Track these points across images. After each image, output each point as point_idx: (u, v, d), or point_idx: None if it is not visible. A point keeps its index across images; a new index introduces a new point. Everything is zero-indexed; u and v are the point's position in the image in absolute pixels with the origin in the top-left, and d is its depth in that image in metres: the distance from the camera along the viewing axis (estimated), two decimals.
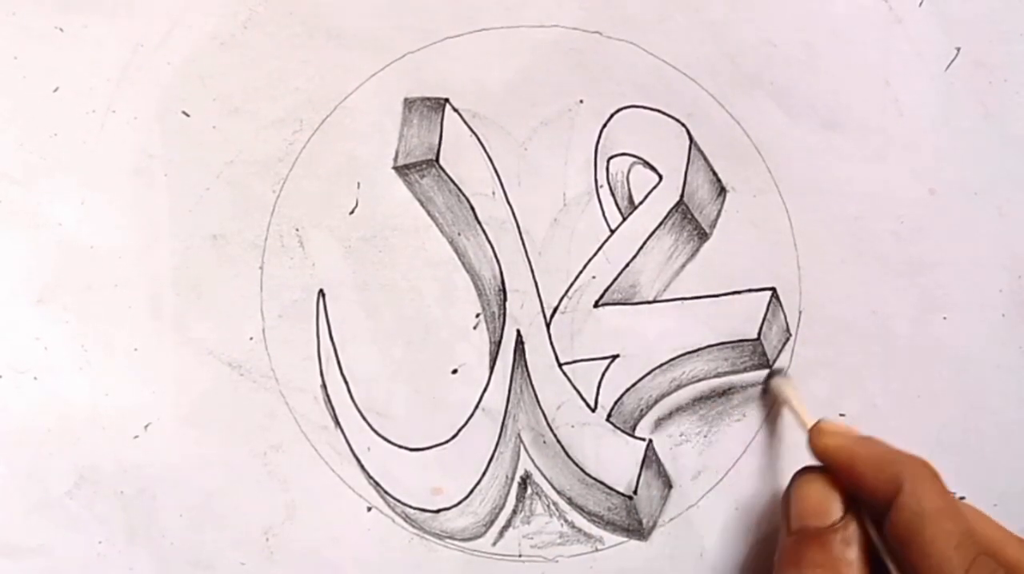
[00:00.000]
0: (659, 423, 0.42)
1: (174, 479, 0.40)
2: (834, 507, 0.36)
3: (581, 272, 0.41)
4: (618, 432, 0.42)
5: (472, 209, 0.41)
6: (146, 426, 0.40)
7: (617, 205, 0.41)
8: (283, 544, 0.40)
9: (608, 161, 0.41)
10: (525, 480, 0.41)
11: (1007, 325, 0.43)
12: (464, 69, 0.40)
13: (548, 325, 0.41)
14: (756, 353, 0.42)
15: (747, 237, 0.42)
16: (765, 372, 0.42)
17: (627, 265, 0.41)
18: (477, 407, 0.41)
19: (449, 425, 0.41)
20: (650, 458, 0.42)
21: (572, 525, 0.42)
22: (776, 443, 0.42)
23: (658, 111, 0.41)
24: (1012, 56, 0.42)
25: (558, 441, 0.41)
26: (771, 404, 0.42)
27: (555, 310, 0.41)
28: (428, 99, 0.40)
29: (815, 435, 0.38)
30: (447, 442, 0.41)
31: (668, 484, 0.42)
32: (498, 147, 0.40)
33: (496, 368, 0.41)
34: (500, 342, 0.41)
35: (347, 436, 0.40)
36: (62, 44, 0.38)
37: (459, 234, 0.41)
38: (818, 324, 0.42)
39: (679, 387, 0.42)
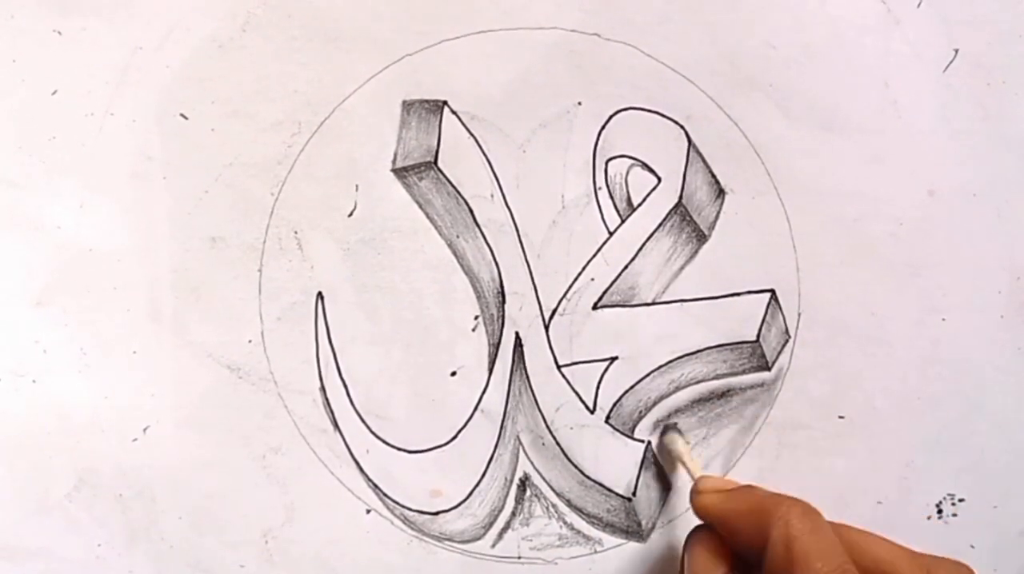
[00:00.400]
0: (658, 425, 0.42)
1: (173, 482, 0.40)
2: (718, 566, 0.35)
3: (580, 274, 0.41)
4: (617, 434, 0.42)
5: (471, 211, 0.40)
6: (145, 429, 0.40)
7: (616, 207, 0.41)
8: (282, 546, 0.40)
9: (607, 163, 0.41)
10: (524, 482, 0.41)
11: (1006, 326, 0.43)
12: (462, 71, 0.40)
13: (547, 327, 0.41)
14: (755, 355, 0.42)
15: (746, 239, 0.42)
16: (763, 375, 0.42)
17: (626, 267, 0.41)
18: (476, 409, 0.41)
19: (448, 427, 0.41)
20: (649, 460, 0.42)
21: (571, 527, 0.42)
22: (776, 445, 0.42)
23: (657, 113, 0.41)
24: (1011, 57, 0.42)
25: (557, 443, 0.41)
26: (665, 456, 0.42)
27: (554, 312, 0.41)
28: (426, 101, 0.40)
29: (693, 495, 0.37)
30: (446, 444, 0.41)
31: (667, 486, 0.42)
32: (497, 149, 0.40)
33: (495, 370, 0.41)
34: (499, 344, 0.41)
35: (346, 438, 0.40)
36: (61, 47, 0.38)
37: (458, 236, 0.41)
38: (817, 326, 0.42)
39: (678, 389, 0.42)
